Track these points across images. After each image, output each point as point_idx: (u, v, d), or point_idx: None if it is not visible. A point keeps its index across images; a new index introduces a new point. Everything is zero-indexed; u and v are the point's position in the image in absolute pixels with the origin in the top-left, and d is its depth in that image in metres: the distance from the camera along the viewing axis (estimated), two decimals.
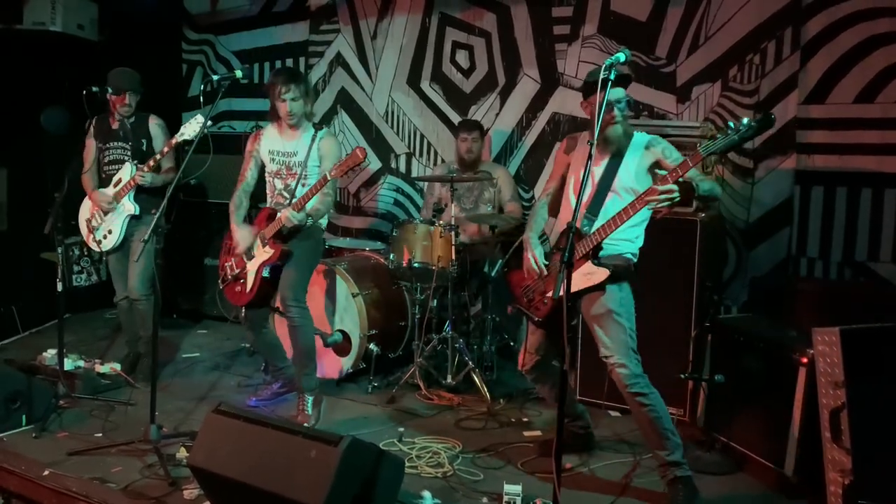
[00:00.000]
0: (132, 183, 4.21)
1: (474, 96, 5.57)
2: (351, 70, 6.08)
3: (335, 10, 6.11)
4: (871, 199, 4.25)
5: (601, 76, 2.70)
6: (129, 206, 4.28)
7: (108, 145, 4.36)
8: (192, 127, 3.89)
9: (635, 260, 3.21)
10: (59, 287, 3.94)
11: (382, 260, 4.81)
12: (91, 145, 4.41)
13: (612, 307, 3.07)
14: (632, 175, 3.14)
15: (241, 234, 3.88)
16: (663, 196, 2.81)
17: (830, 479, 2.83)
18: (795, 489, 3.11)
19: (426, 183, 5.41)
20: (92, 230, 4.39)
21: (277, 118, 3.88)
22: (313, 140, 3.85)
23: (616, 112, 3.09)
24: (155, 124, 4.40)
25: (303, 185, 3.82)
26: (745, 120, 2.72)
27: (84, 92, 4.08)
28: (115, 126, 4.36)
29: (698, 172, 3.04)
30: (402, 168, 5.94)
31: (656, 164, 3.13)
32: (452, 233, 4.30)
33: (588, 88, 3.13)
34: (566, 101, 5.19)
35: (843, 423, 2.78)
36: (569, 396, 3.52)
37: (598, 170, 3.18)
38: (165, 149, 4.11)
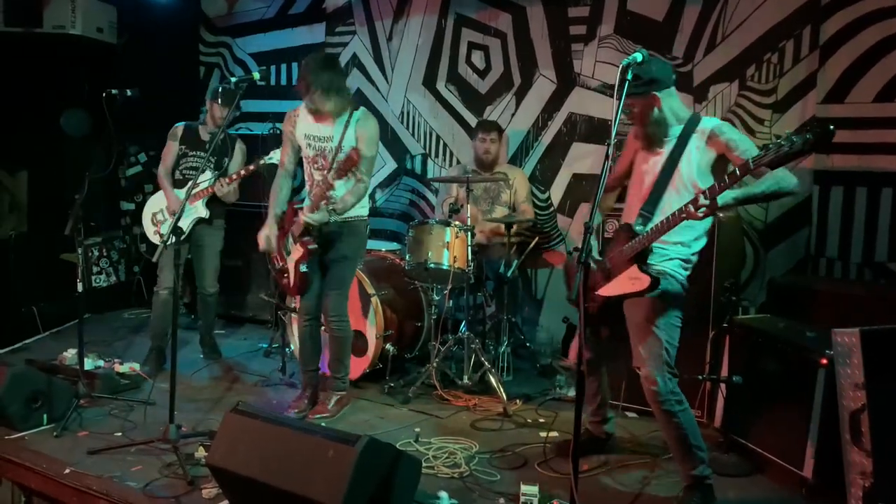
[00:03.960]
0: (209, 190, 4.51)
1: (490, 97, 5.56)
2: (367, 71, 6.10)
3: (351, 11, 6.14)
4: (892, 199, 4.20)
5: (617, 80, 2.62)
6: (201, 210, 4.59)
7: (193, 152, 4.64)
8: (279, 155, 4.09)
9: (688, 266, 3.00)
10: (79, 287, 3.98)
11: (398, 260, 4.82)
12: (173, 147, 4.66)
13: (651, 317, 2.93)
14: (693, 168, 2.89)
15: (264, 233, 3.88)
16: (700, 212, 2.64)
17: (851, 482, 2.80)
18: (815, 492, 3.08)
19: (442, 183, 5.42)
20: (158, 224, 4.68)
21: None
22: (348, 123, 3.74)
23: (636, 110, 2.96)
24: (239, 148, 4.75)
25: (340, 178, 3.71)
26: (799, 135, 2.39)
27: (104, 94, 4.13)
28: (205, 138, 4.64)
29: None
30: (418, 169, 5.94)
31: (722, 158, 2.86)
32: (468, 234, 4.30)
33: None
34: (583, 102, 5.18)
35: (863, 424, 2.75)
36: (604, 397, 3.49)
37: (658, 162, 2.98)
38: (252, 167, 4.49)
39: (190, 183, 4.31)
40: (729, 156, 2.84)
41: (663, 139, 2.98)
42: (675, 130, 2.96)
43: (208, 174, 4.56)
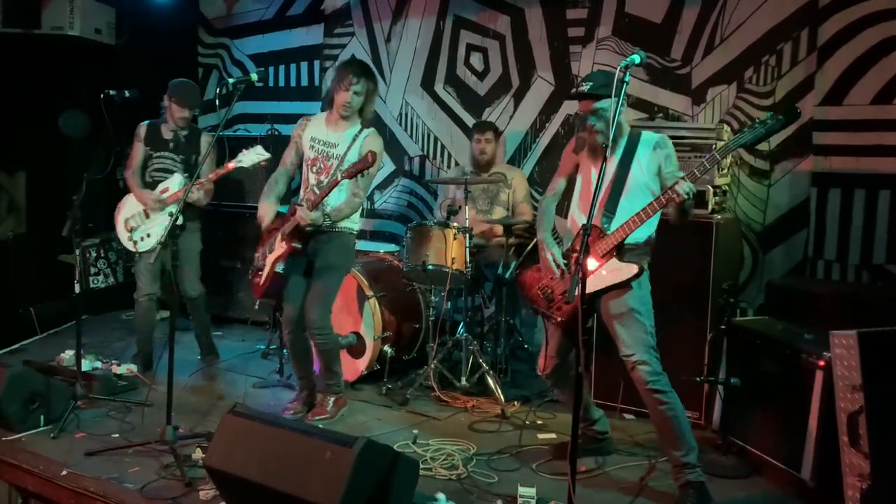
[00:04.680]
0: (179, 194, 4.28)
1: (488, 99, 5.56)
2: None
3: (349, 13, 6.14)
4: (890, 201, 4.20)
5: (617, 77, 2.72)
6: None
7: (158, 153, 4.49)
8: (250, 157, 4.02)
9: (648, 258, 3.19)
10: (77, 289, 3.98)
11: (396, 262, 4.82)
12: (139, 148, 4.52)
13: (632, 305, 3.08)
14: (645, 173, 3.13)
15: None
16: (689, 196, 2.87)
17: (848, 484, 2.80)
18: (813, 494, 3.08)
19: (441, 185, 5.42)
20: (130, 229, 4.50)
21: (331, 106, 3.83)
22: (356, 137, 3.79)
23: (591, 122, 3.12)
24: (206, 141, 4.50)
25: (337, 186, 3.75)
26: (770, 113, 2.80)
27: (102, 95, 4.13)
28: (168, 136, 4.48)
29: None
30: (416, 171, 5.94)
31: (659, 168, 3.15)
32: (466, 235, 4.30)
33: (576, 96, 3.20)
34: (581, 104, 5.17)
35: (860, 426, 2.76)
36: (585, 400, 3.51)
37: (610, 168, 3.15)
38: (221, 171, 4.21)
39: (166, 183, 4.29)
40: (661, 168, 3.13)
41: (615, 146, 3.18)
42: (623, 140, 3.18)
43: (178, 177, 4.41)
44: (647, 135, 3.21)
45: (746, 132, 2.82)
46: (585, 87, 3.08)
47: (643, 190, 3.12)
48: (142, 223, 4.47)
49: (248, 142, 5.71)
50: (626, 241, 3.08)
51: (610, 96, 2.98)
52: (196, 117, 4.53)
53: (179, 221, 4.26)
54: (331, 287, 3.87)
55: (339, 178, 3.54)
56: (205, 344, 4.98)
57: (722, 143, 3.91)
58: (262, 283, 3.87)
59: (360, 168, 3.46)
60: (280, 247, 3.80)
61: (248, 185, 5.79)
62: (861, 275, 4.31)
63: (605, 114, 3.08)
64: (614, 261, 3.08)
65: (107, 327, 5.76)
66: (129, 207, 4.57)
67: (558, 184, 3.44)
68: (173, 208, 4.30)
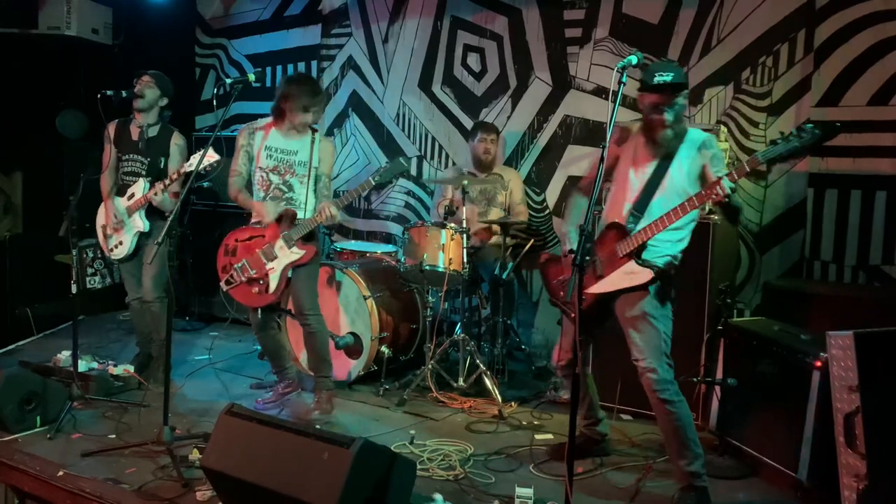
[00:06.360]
0: (143, 200, 4.20)
1: (485, 99, 5.57)
2: (362, 73, 6.10)
3: (347, 13, 6.14)
4: (886, 202, 4.21)
5: (613, 80, 2.69)
6: (139, 223, 4.25)
7: (126, 156, 4.34)
8: (201, 159, 3.75)
9: (676, 263, 3.10)
10: (74, 289, 3.97)
11: (394, 262, 4.82)
12: (109, 150, 4.37)
13: (648, 310, 3.02)
14: (684, 176, 3.02)
15: (267, 206, 3.89)
16: (725, 193, 2.75)
17: (845, 485, 2.81)
18: (809, 494, 3.09)
19: (437, 186, 5.42)
20: (106, 236, 4.40)
21: (281, 118, 3.94)
22: (313, 141, 3.97)
23: (666, 116, 2.97)
24: (175, 144, 4.35)
25: (301, 183, 3.94)
26: (809, 126, 2.62)
27: (99, 95, 4.12)
28: (136, 137, 4.34)
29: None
30: (413, 171, 5.94)
31: (703, 169, 3.02)
32: (464, 236, 4.30)
33: (642, 85, 3.02)
34: (578, 104, 5.19)
35: (857, 427, 2.76)
36: (593, 399, 3.51)
37: (648, 167, 3.07)
38: (175, 176, 4.08)
39: (133, 188, 4.25)
40: (707, 169, 3.00)
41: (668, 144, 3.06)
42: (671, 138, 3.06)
43: (142, 182, 4.24)
44: (693, 132, 3.08)
45: (780, 144, 2.66)
46: (667, 78, 2.92)
47: (679, 193, 2.99)
48: (114, 231, 4.34)
49: None
50: (651, 248, 3.00)
51: (687, 90, 2.99)
52: (164, 113, 4.41)
53: (145, 228, 4.25)
54: (315, 278, 4.06)
55: (333, 210, 3.80)
56: (145, 363, 4.54)
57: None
58: (273, 291, 3.89)
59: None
60: (293, 253, 3.86)
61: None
62: (857, 275, 4.32)
63: (680, 109, 2.99)
64: (632, 263, 3.00)
65: (103, 328, 5.75)
66: (103, 213, 4.44)
67: (594, 175, 3.21)
68: (137, 216, 4.25)
